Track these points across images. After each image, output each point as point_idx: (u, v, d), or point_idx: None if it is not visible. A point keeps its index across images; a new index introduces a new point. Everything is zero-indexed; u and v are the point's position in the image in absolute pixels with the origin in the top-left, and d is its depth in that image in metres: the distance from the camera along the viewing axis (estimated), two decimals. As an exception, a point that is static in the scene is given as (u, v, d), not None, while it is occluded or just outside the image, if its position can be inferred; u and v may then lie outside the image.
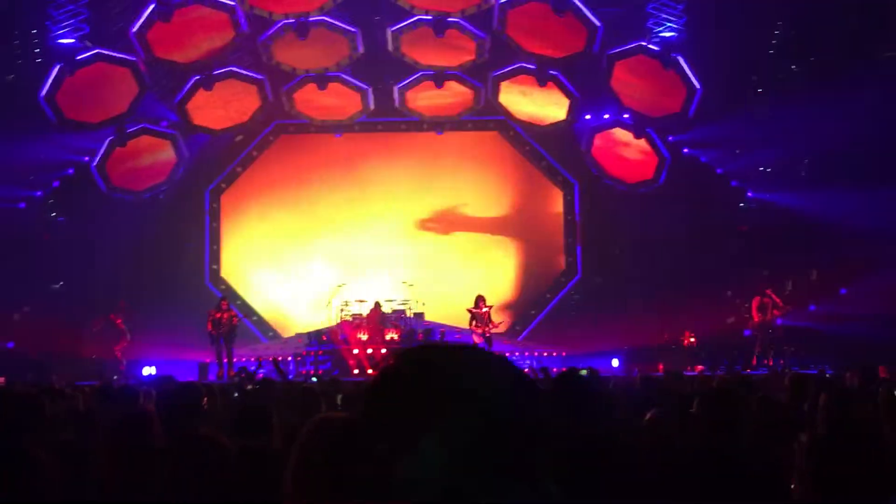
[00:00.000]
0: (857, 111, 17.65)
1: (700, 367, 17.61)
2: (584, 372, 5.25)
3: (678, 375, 9.84)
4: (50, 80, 16.66)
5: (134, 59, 16.91)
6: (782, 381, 9.31)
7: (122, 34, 16.66)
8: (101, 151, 18.65)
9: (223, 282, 21.92)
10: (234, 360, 18.35)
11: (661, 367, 17.36)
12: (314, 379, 10.17)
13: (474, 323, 17.97)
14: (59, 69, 16.65)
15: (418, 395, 1.16)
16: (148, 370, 18.07)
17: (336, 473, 2.88)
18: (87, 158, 19.31)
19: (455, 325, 20.33)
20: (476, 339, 17.89)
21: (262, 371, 9.81)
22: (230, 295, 21.39)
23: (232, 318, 18.07)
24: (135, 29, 16.21)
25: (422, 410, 1.17)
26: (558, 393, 4.06)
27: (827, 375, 11.47)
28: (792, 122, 18.78)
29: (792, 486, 4.43)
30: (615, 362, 18.82)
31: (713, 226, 20.66)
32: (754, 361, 18.05)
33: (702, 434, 4.05)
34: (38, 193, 20.36)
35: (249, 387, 7.44)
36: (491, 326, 18.01)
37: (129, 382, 13.21)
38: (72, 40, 16.61)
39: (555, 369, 18.56)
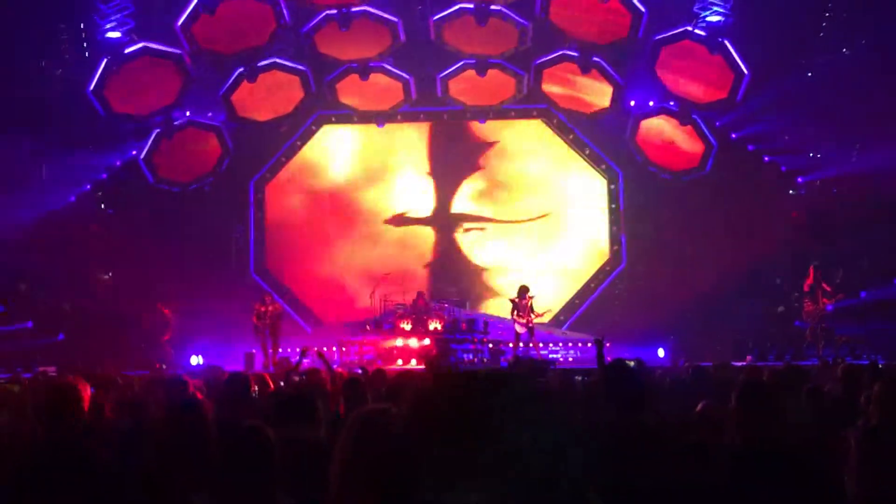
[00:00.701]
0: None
1: (749, 357, 17.35)
2: (632, 363, 5.17)
3: (726, 366, 9.65)
4: (98, 74, 16.92)
5: (179, 52, 17.09)
6: (834, 372, 9.13)
7: (167, 27, 16.84)
8: (148, 144, 18.92)
9: (268, 272, 22.12)
10: (280, 350, 18.50)
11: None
12: (359, 370, 10.17)
13: (517, 313, 17.89)
14: (107, 63, 16.91)
15: (456, 436, 1.13)
16: (195, 359, 18.32)
17: (382, 468, 2.86)
18: (134, 151, 19.60)
19: (498, 314, 20.29)
20: (519, 328, 17.82)
21: (305, 360, 9.84)
22: (275, 285, 21.61)
23: (277, 311, 18.20)
24: (180, 22, 16.38)
25: (460, 452, 1.13)
26: (607, 384, 3.99)
27: (879, 366, 11.18)
28: (843, 106, 18.34)
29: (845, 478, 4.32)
30: (661, 352, 18.61)
31: (762, 213, 20.28)
32: (805, 347, 17.73)
33: (741, 428, 3.96)
34: (87, 186, 20.74)
35: (296, 377, 7.47)
36: (534, 316, 17.91)
37: (177, 372, 13.40)
38: (118, 34, 16.84)
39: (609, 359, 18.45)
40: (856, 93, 18.05)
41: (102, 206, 21.55)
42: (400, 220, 22.12)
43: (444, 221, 22.19)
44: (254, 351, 18.51)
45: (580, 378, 7.33)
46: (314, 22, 17.32)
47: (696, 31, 16.95)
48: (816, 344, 17.64)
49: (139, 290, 19.73)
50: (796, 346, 18.16)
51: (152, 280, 19.70)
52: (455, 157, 22.11)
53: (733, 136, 20.20)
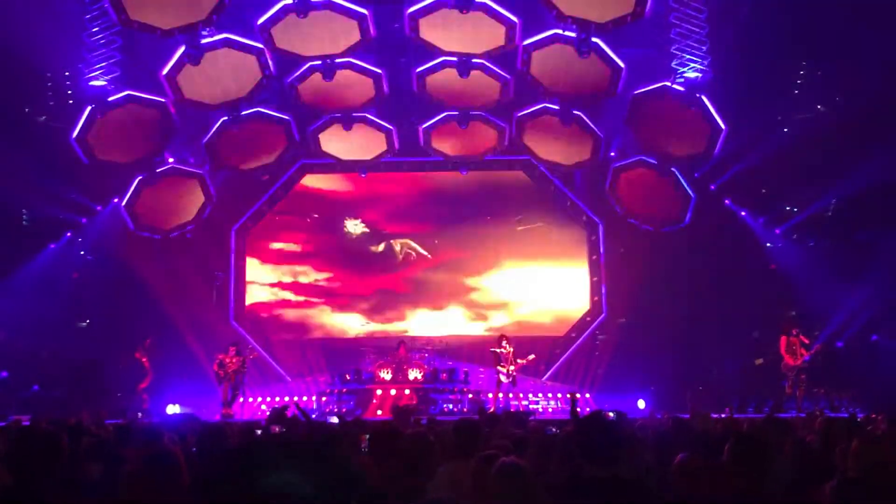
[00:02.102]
0: (884, 153, 17.54)
1: (728, 410, 17.35)
2: (612, 415, 5.17)
3: (706, 418, 9.65)
4: (81, 122, 16.96)
5: (164, 100, 17.18)
6: (812, 425, 9.15)
7: (152, 76, 16.95)
8: (130, 190, 18.89)
9: (248, 320, 22.00)
10: (261, 399, 18.37)
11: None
12: (335, 419, 10.07)
13: (499, 363, 17.87)
14: (91, 110, 16.95)
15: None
16: (172, 408, 18.09)
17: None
18: (116, 198, 19.57)
19: (478, 363, 20.26)
20: (503, 378, 17.79)
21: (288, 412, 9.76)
22: (255, 332, 21.48)
23: (237, 366, 18.03)
24: (165, 71, 16.48)
25: None
26: (585, 436, 3.99)
27: (858, 419, 11.22)
28: (818, 161, 18.68)
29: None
30: (641, 403, 18.58)
31: (739, 265, 20.49)
32: (783, 400, 17.79)
33: (731, 480, 3.96)
34: (68, 233, 20.66)
35: (277, 428, 7.38)
36: (516, 366, 17.89)
37: (152, 420, 13.22)
38: (103, 82, 16.91)
39: (585, 409, 18.41)
40: (830, 148, 18.38)
41: (82, 252, 21.43)
42: (381, 268, 22.20)
43: (424, 271, 22.23)
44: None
45: (555, 430, 7.29)
46: (298, 72, 17.50)
47: (675, 86, 17.25)
48: (796, 396, 17.69)
49: (117, 337, 19.54)
50: (776, 397, 18.21)
51: (131, 327, 19.53)
52: (436, 207, 22.24)
53: (712, 187, 20.48)
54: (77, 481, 4.99)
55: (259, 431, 9.26)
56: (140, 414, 16.88)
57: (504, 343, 17.99)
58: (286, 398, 19.72)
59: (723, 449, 4.66)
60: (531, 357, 18.26)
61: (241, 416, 17.92)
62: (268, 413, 12.88)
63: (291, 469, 1.07)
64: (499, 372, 17.85)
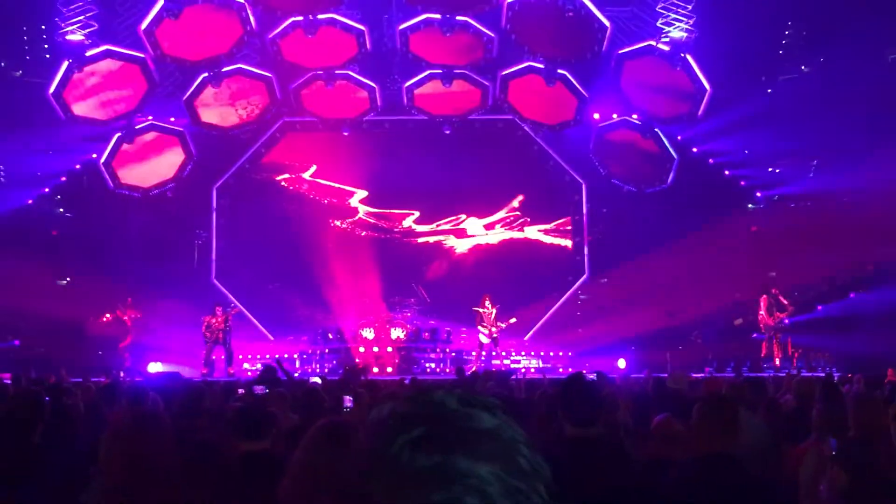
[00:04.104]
0: (866, 112, 17.58)
1: (707, 369, 17.58)
2: (592, 375, 5.21)
3: (684, 378, 9.77)
4: (58, 77, 16.68)
5: (143, 56, 16.92)
6: (790, 384, 9.28)
7: (131, 31, 16.67)
8: (109, 148, 18.68)
9: (229, 278, 21.94)
10: (243, 356, 18.41)
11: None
12: (317, 379, 10.11)
13: (481, 322, 17.97)
14: (68, 65, 16.67)
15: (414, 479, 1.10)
16: (154, 366, 18.09)
17: (337, 480, 2.85)
18: (94, 155, 19.34)
19: (460, 323, 20.35)
20: (483, 338, 17.91)
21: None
22: (236, 291, 21.44)
23: (221, 324, 18.01)
24: (144, 26, 16.21)
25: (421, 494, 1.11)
26: (566, 398, 4.02)
27: (834, 379, 11.40)
28: (801, 122, 18.70)
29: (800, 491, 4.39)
30: (622, 363, 18.78)
31: (722, 226, 20.58)
32: (762, 360, 18.02)
33: (701, 441, 4.01)
34: (46, 189, 20.42)
35: (260, 389, 7.39)
36: (497, 326, 18.01)
37: (135, 379, 13.22)
38: (81, 37, 16.61)
39: (567, 369, 18.56)
40: (814, 110, 18.40)
41: (61, 209, 21.22)
42: (363, 227, 22.14)
43: (407, 229, 22.22)
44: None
45: (541, 392, 7.36)
46: (280, 29, 17.25)
47: (660, 46, 17.16)
48: (773, 356, 17.92)
49: (98, 295, 19.44)
50: (753, 358, 18.44)
51: (111, 286, 19.42)
52: (418, 166, 22.09)
53: (695, 150, 20.50)
54: (58, 443, 5.00)
55: (241, 391, 9.28)
56: (122, 373, 16.87)
57: (486, 303, 18.06)
58: (267, 356, 19.79)
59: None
60: (512, 320, 18.38)
61: (239, 374, 17.95)
62: (259, 371, 12.89)
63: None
64: (479, 332, 17.96)
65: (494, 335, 17.96)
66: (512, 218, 22.42)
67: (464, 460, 1.07)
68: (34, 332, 19.11)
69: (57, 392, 7.28)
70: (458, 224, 22.35)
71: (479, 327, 17.98)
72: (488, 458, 1.08)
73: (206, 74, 17.90)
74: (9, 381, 11.68)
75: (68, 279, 21.05)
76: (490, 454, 1.08)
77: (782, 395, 8.77)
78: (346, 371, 11.45)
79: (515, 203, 22.36)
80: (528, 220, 22.41)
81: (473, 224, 22.39)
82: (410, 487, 1.07)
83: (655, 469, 4.38)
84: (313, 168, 22.35)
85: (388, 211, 22.26)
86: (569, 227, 22.32)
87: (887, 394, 8.99)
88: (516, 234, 22.34)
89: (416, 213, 22.27)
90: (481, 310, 17.98)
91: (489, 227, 22.37)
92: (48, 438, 4.80)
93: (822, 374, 14.43)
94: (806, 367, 17.62)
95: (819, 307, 19.54)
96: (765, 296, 18.16)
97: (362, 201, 22.29)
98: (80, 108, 17.17)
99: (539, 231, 22.39)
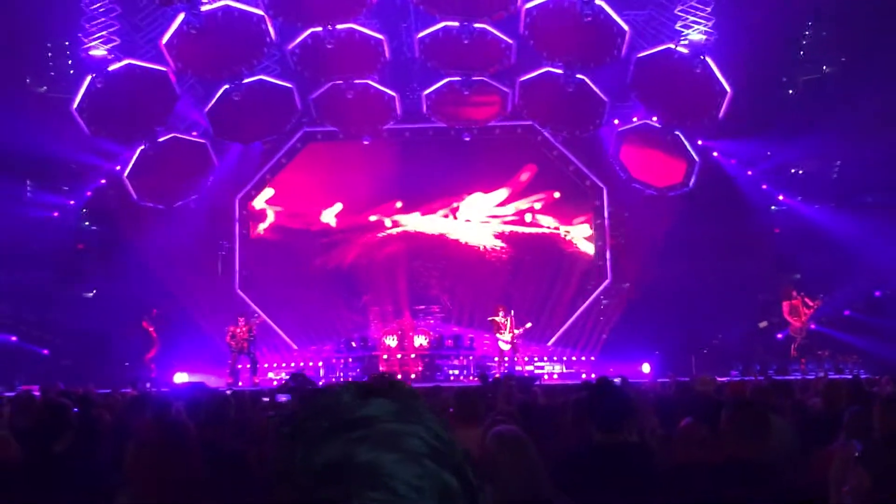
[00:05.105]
0: (890, 112, 17.40)
1: (733, 373, 17.44)
2: (617, 380, 5.19)
3: (711, 381, 9.70)
4: (82, 91, 16.89)
5: (165, 69, 17.09)
6: (817, 386, 9.19)
7: (152, 45, 16.84)
8: (132, 161, 18.87)
9: (253, 288, 22.05)
10: (267, 364, 18.48)
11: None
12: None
13: (499, 331, 18.00)
14: (92, 80, 16.87)
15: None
16: (180, 377, 18.23)
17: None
18: (118, 168, 19.55)
19: (483, 330, 20.33)
20: (503, 345, 17.91)
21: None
22: (260, 302, 21.55)
23: (245, 333, 18.12)
24: (165, 40, 16.37)
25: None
26: (594, 403, 4.01)
27: (861, 380, 11.27)
28: (823, 124, 18.55)
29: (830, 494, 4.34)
30: (646, 367, 18.67)
31: (744, 229, 20.44)
32: (788, 363, 17.86)
33: (730, 446, 3.98)
34: (72, 202, 20.66)
35: (283, 397, 7.42)
36: (513, 333, 17.98)
37: (160, 390, 13.32)
38: (104, 52, 16.80)
39: (591, 374, 18.49)
40: (836, 110, 18.24)
41: (87, 223, 21.45)
42: (385, 235, 22.16)
43: (429, 237, 22.23)
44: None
45: (566, 399, 7.33)
46: (300, 39, 17.36)
47: (679, 48, 17.08)
48: (800, 359, 17.76)
49: (123, 307, 19.61)
50: (779, 360, 18.28)
51: (137, 297, 19.59)
52: (439, 173, 22.10)
53: (715, 153, 20.38)
54: (86, 454, 5.05)
55: (266, 399, 9.33)
56: (147, 384, 17.01)
57: (500, 312, 18.06)
58: (292, 365, 19.89)
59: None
60: (528, 325, 18.35)
61: (263, 383, 18.04)
62: (285, 380, 12.95)
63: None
64: (499, 340, 17.97)
65: (513, 341, 17.95)
66: (526, 196, 22.20)
67: (363, 452, 1.02)
68: (61, 345, 19.32)
69: (86, 404, 7.35)
70: (463, 200, 22.15)
71: (498, 335, 18.00)
72: (389, 448, 1.03)
73: (227, 86, 18.04)
74: (38, 393, 11.80)
75: (94, 291, 21.25)
76: (391, 443, 1.03)
77: (810, 397, 8.69)
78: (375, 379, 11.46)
79: (524, 177, 22.15)
80: (543, 197, 22.22)
81: (482, 202, 22.13)
82: (311, 488, 1.02)
83: (681, 473, 4.36)
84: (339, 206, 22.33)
85: (409, 216, 22.24)
86: (591, 232, 22.21)
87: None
88: (534, 230, 22.12)
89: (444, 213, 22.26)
90: (497, 319, 17.99)
91: (502, 203, 22.14)
92: (76, 449, 4.85)
93: (850, 377, 14.27)
94: (833, 369, 17.43)
95: (846, 312, 19.33)
96: (786, 301, 18.03)
97: (382, 210, 22.32)
98: (104, 122, 17.36)
99: (561, 234, 22.26)
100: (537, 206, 22.11)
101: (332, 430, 1.06)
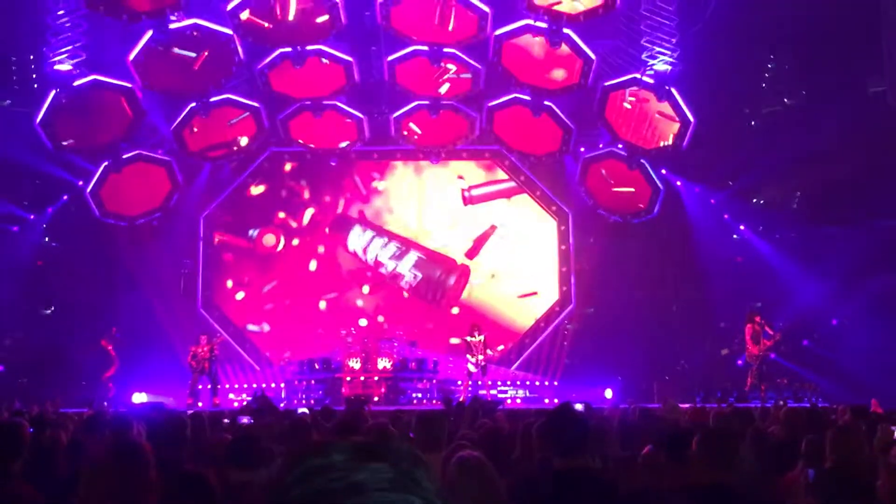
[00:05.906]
0: (849, 143, 17.82)
1: (697, 399, 17.56)
2: (579, 406, 5.21)
3: (675, 408, 9.76)
4: (46, 106, 16.70)
5: (130, 85, 16.97)
6: (776, 415, 9.28)
7: (118, 61, 16.72)
8: (96, 177, 18.65)
9: (216, 307, 21.81)
10: (229, 385, 18.23)
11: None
12: (305, 410, 10.06)
13: (470, 352, 17.95)
14: (56, 95, 16.70)
15: None
16: (138, 397, 17.92)
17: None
18: (81, 183, 19.29)
19: (447, 353, 20.29)
20: (472, 367, 17.87)
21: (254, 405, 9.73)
22: (222, 321, 21.32)
23: (206, 354, 17.86)
24: (131, 57, 16.27)
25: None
26: (555, 428, 4.02)
27: (819, 409, 11.42)
28: (785, 154, 18.91)
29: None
30: (609, 393, 18.74)
31: (706, 257, 20.68)
32: (747, 390, 18.00)
33: (700, 472, 4.01)
34: (32, 217, 20.35)
35: (245, 419, 7.33)
36: (485, 354, 17.96)
37: (118, 410, 13.09)
38: (69, 66, 16.65)
39: (553, 399, 18.51)
40: (797, 141, 18.62)
41: (47, 238, 21.12)
42: (350, 257, 22.08)
43: (395, 259, 22.19)
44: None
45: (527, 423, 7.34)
46: (269, 59, 17.36)
47: (645, 78, 17.34)
48: (759, 386, 17.92)
49: (82, 325, 19.30)
50: (740, 388, 18.44)
51: (96, 315, 19.30)
52: (406, 196, 22.15)
53: (679, 182, 20.65)
54: (39, 474, 4.94)
55: (227, 421, 9.21)
56: (105, 403, 16.71)
57: (475, 333, 18.02)
58: (254, 386, 19.68)
59: (689, 440, 4.71)
60: (500, 348, 18.35)
61: (224, 404, 17.79)
62: (246, 402, 12.80)
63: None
64: (468, 361, 17.92)
65: (482, 364, 17.91)
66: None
67: None
68: (18, 362, 18.94)
69: (40, 423, 7.20)
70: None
71: (468, 356, 17.95)
72: None
73: (193, 104, 17.95)
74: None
75: (52, 308, 20.89)
76: None
77: (769, 425, 8.77)
78: (350, 402, 11.31)
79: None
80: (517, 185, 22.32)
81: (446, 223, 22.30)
82: None
83: (642, 500, 4.37)
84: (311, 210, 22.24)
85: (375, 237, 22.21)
86: (556, 257, 22.30)
87: (868, 425, 9.00)
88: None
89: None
90: (471, 339, 17.95)
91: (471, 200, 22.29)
92: (30, 470, 4.74)
93: (808, 405, 14.45)
94: (793, 397, 17.63)
95: (805, 343, 19.61)
96: (749, 325, 18.21)
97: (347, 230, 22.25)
98: (67, 138, 17.16)
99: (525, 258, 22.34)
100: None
101: (321, 496, 1.00)
